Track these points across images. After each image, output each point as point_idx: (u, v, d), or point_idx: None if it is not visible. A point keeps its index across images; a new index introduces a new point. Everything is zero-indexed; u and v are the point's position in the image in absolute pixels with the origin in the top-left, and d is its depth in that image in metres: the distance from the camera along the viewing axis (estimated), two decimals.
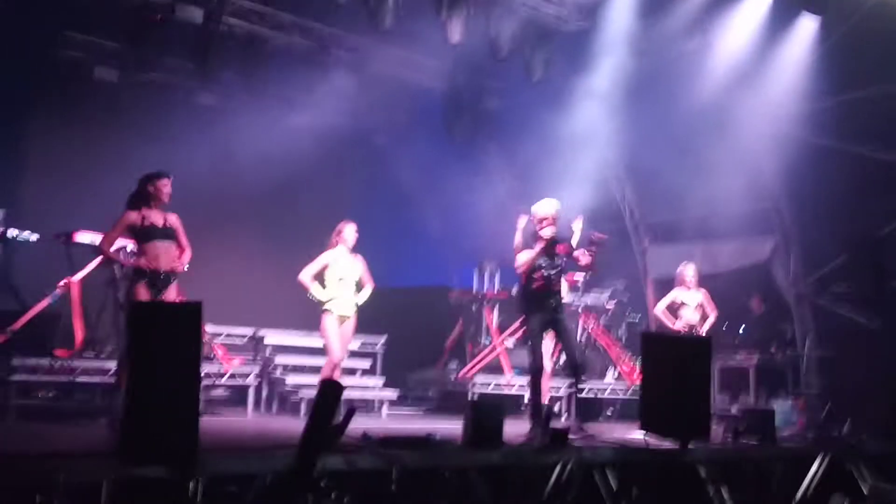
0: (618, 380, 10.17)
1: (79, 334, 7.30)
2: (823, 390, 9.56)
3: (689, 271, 8.55)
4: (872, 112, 8.92)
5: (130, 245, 6.81)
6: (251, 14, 9.92)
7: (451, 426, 6.07)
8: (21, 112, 10.39)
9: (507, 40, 9.51)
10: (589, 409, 9.83)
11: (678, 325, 8.31)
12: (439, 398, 10.27)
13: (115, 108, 10.29)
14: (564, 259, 6.80)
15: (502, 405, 5.81)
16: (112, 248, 6.44)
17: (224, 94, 10.94)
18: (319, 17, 10.29)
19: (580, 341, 10.69)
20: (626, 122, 10.49)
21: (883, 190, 9.10)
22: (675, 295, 8.51)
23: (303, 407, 8.14)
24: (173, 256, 6.01)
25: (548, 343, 8.04)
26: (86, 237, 7.57)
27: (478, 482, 5.04)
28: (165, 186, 6.04)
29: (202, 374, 6.61)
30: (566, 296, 8.84)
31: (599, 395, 9.99)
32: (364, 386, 9.28)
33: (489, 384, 9.26)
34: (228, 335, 9.02)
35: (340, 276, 7.01)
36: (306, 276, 6.93)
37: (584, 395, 9.76)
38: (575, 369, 6.84)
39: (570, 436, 5.68)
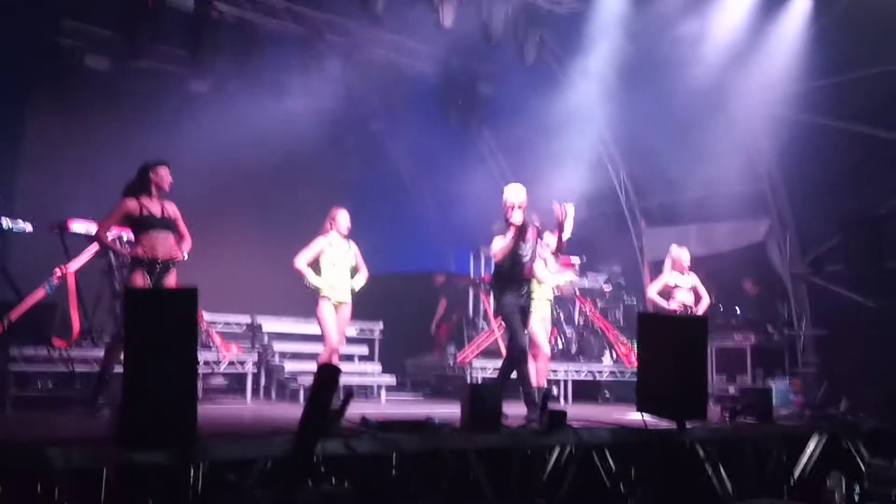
0: (615, 362, 10.21)
1: (76, 324, 7.28)
2: (820, 369, 9.62)
3: (683, 254, 8.51)
4: (867, 91, 8.93)
5: (126, 234, 6.81)
6: (243, 0, 9.87)
7: (449, 410, 6.08)
8: (14, 100, 10.32)
9: (500, 24, 9.49)
10: (587, 392, 9.91)
11: (672, 306, 8.31)
12: (437, 383, 10.30)
13: (109, 96, 10.23)
14: (534, 247, 6.80)
15: (500, 388, 5.82)
16: (109, 237, 6.43)
17: (217, 81, 10.88)
18: (312, 2, 10.24)
19: (577, 324, 10.73)
20: (620, 105, 10.49)
21: (879, 169, 9.12)
22: (668, 278, 8.49)
23: (301, 394, 8.16)
24: (171, 245, 5.97)
25: (544, 327, 8.07)
26: (81, 226, 7.55)
27: (477, 465, 5.06)
28: (166, 174, 6.02)
29: (200, 362, 6.62)
30: (568, 280, 8.87)
31: (597, 378, 10.02)
32: (362, 372, 9.30)
33: (487, 368, 9.28)
34: (226, 323, 9.02)
35: (334, 262, 7.00)
36: (301, 261, 6.93)
37: (581, 377, 9.84)
38: (525, 350, 6.73)
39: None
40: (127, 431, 3.94)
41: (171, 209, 6.09)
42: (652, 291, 8.50)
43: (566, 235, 8.48)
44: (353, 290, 7.12)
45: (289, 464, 4.26)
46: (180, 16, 9.43)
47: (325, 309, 6.92)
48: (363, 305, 7.70)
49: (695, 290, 8.49)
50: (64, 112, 10.07)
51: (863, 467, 6.64)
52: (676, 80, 9.54)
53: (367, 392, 9.15)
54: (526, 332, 6.69)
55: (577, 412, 6.77)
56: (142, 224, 5.91)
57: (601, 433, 5.71)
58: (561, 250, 6.98)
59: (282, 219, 10.85)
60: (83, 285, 7.53)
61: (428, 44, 10.92)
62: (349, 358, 9.16)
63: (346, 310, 7.08)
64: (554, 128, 10.57)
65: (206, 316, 8.36)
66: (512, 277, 6.65)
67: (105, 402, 5.76)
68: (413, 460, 4.91)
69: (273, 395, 8.68)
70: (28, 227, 8.06)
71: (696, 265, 8.68)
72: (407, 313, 11.11)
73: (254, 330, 9.07)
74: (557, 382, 9.50)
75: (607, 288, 10.99)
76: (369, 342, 9.76)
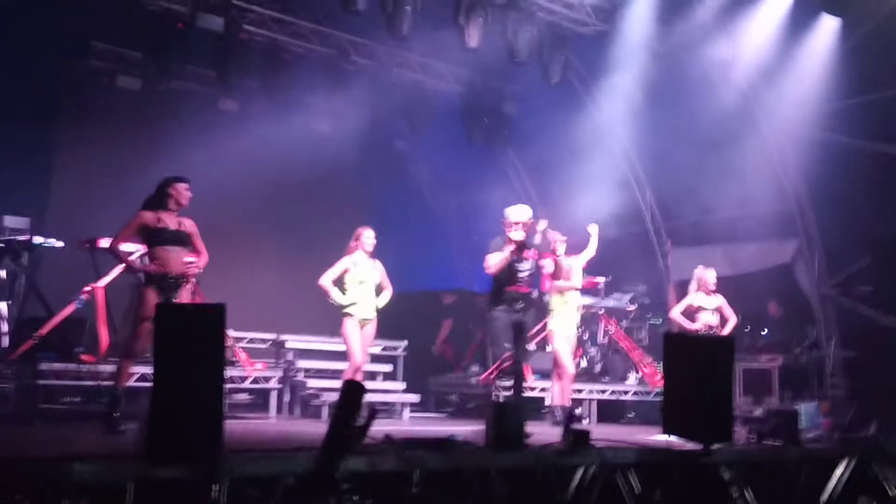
0: (640, 383, 10.13)
1: (104, 339, 7.36)
2: (849, 392, 9.48)
3: (709, 275, 8.45)
4: (894, 112, 8.85)
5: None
6: (271, 22, 10.04)
7: (472, 429, 6.06)
8: (47, 121, 10.55)
9: (525, 44, 9.54)
10: (611, 412, 9.84)
11: (696, 326, 8.24)
12: (460, 402, 10.28)
13: (139, 115, 10.43)
14: (533, 264, 7.07)
15: (524, 407, 5.80)
16: (130, 254, 6.45)
17: (245, 101, 11.06)
18: (338, 24, 10.37)
19: (602, 344, 10.67)
20: (646, 125, 10.49)
21: None
22: (693, 299, 8.42)
23: (324, 411, 8.17)
24: (183, 261, 5.93)
25: (568, 345, 8.05)
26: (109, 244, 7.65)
27: (499, 484, 5.04)
28: (186, 190, 5.97)
29: (226, 379, 6.65)
30: (586, 299, 8.88)
31: (621, 398, 9.95)
32: (386, 390, 9.30)
33: (510, 387, 9.23)
34: (251, 340, 9.07)
35: (360, 280, 7.06)
36: (326, 280, 6.99)
37: (605, 397, 9.77)
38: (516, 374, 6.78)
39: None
40: (153, 447, 3.97)
41: (188, 225, 6.04)
42: (675, 312, 8.45)
43: (591, 254, 8.51)
44: (377, 308, 7.15)
45: (312, 480, 4.27)
46: (209, 37, 9.59)
47: (349, 327, 6.96)
48: (387, 324, 7.72)
49: (720, 312, 8.42)
50: (94, 131, 10.25)
51: (891, 493, 6.52)
52: (702, 99, 9.53)
53: (390, 410, 9.14)
54: (528, 346, 6.89)
55: (602, 432, 6.71)
56: (155, 238, 5.88)
57: (625, 453, 5.66)
58: (556, 274, 7.09)
59: (307, 237, 10.94)
60: (111, 301, 7.62)
61: (453, 64, 11.02)
62: (373, 376, 9.17)
63: (371, 327, 7.11)
64: (579, 147, 10.58)
65: (232, 332, 8.42)
66: (505, 292, 6.86)
67: (121, 417, 5.77)
68: (435, 478, 4.90)
69: (297, 411, 8.70)
70: (59, 244, 8.21)
71: (722, 286, 8.61)
72: (430, 331, 11.12)
73: (278, 347, 9.11)
74: (581, 402, 9.44)
75: (632, 308, 10.93)
76: (393, 360, 9.77)
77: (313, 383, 8.68)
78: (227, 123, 10.83)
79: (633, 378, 10.27)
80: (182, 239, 5.96)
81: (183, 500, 4.07)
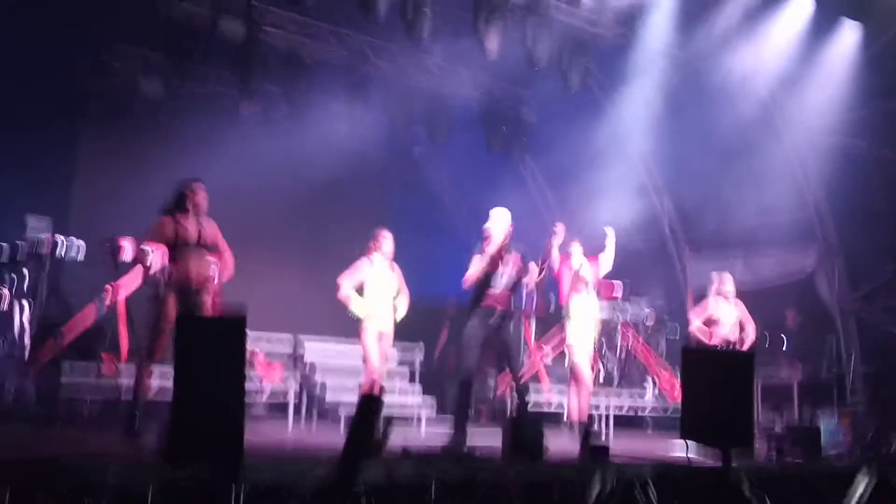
0: (658, 395, 10.06)
1: (125, 344, 7.40)
2: (870, 407, 9.38)
3: (726, 283, 8.32)
4: None
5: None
6: (291, 26, 10.06)
7: (490, 441, 6.05)
8: (70, 123, 10.64)
9: (545, 51, 9.50)
10: (629, 421, 9.79)
11: (714, 342, 8.12)
12: (477, 413, 10.24)
13: (160, 119, 10.48)
14: (513, 274, 6.69)
15: (542, 420, 5.78)
16: (154, 265, 6.47)
17: (265, 105, 11.09)
18: (358, 28, 10.39)
19: (620, 353, 10.62)
20: (665, 133, 10.44)
21: None
22: (711, 307, 8.28)
23: (342, 421, 8.18)
24: (206, 266, 5.94)
25: (586, 358, 8.00)
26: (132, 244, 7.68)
27: (517, 497, 5.02)
28: (200, 191, 5.97)
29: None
30: (604, 310, 8.81)
31: (640, 414, 9.88)
32: (403, 400, 9.29)
33: (528, 399, 9.21)
34: (269, 341, 9.08)
35: (377, 285, 7.03)
36: (345, 281, 6.93)
37: (623, 412, 9.70)
38: (517, 384, 6.71)
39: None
40: (174, 451, 3.99)
41: (210, 228, 6.03)
42: (694, 325, 8.31)
43: (608, 263, 8.46)
44: (395, 321, 7.13)
45: (331, 490, 4.27)
46: (230, 41, 9.62)
47: (368, 336, 6.94)
48: (404, 331, 7.71)
49: (740, 323, 8.30)
50: (116, 134, 10.34)
51: None
52: (722, 107, 9.48)
53: (407, 420, 9.12)
54: (516, 363, 6.68)
55: (620, 444, 6.69)
56: (176, 244, 5.89)
57: (644, 468, 5.62)
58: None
59: (325, 242, 10.97)
60: (133, 305, 7.66)
61: (472, 70, 11.01)
62: (389, 386, 9.15)
63: (389, 338, 7.10)
64: (597, 155, 10.54)
65: (250, 334, 8.42)
66: (480, 304, 6.62)
67: (141, 422, 5.79)
68: (452, 490, 4.88)
69: (314, 421, 8.70)
70: (81, 245, 8.26)
71: (741, 296, 8.54)
72: (449, 340, 11.09)
73: (295, 356, 9.11)
74: (599, 415, 9.38)
75: (650, 317, 10.87)
76: (410, 368, 9.77)
77: (331, 393, 8.68)
78: (246, 126, 10.88)
79: (650, 390, 10.20)
80: (203, 242, 5.94)
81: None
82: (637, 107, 10.34)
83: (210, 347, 4.09)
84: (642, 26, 9.73)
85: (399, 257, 7.34)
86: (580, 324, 7.93)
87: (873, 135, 9.08)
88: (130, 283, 7.62)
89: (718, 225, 11.09)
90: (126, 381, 6.94)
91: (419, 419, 9.00)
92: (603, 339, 10.15)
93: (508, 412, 8.94)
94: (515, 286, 6.75)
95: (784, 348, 10.09)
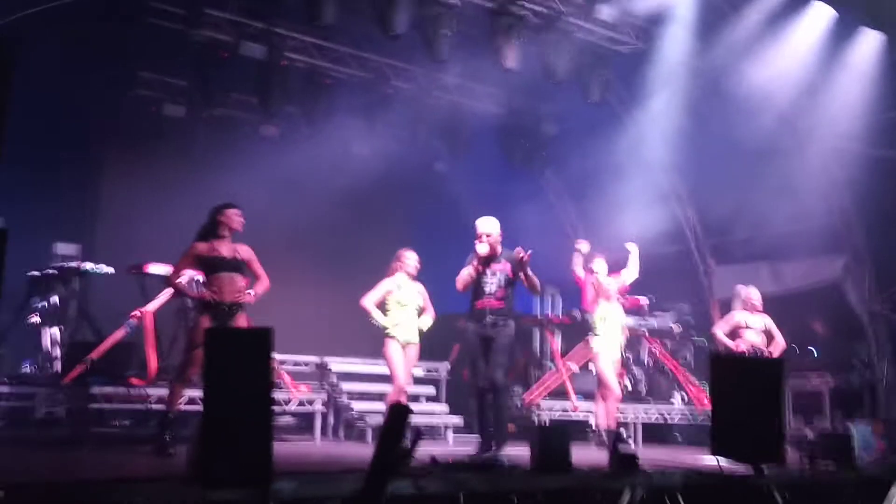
0: (686, 404, 9.98)
1: (152, 363, 7.48)
2: None
3: (753, 293, 8.27)
4: None
5: (201, 277, 7.00)
6: (311, 49, 10.20)
7: (517, 451, 6.04)
8: (95, 149, 10.83)
9: (563, 64, 9.54)
10: (657, 434, 9.71)
11: (741, 347, 8.06)
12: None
13: (183, 143, 10.65)
14: (503, 276, 6.57)
15: (569, 430, 5.76)
16: (183, 280, 6.57)
17: (286, 127, 11.24)
18: (377, 49, 10.50)
19: (646, 365, 10.56)
20: (687, 142, 10.41)
21: None
22: (738, 317, 8.22)
23: (369, 433, 8.20)
24: (239, 288, 6.00)
25: (612, 366, 7.98)
26: (158, 269, 7.81)
27: None
28: (237, 216, 6.06)
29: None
30: (629, 319, 8.77)
31: (668, 421, 9.82)
32: (429, 412, 9.30)
33: (555, 409, 9.20)
34: (295, 363, 9.14)
35: (402, 303, 7.07)
36: (368, 301, 7.00)
37: (651, 419, 9.63)
38: (493, 385, 6.46)
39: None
40: (205, 470, 4.01)
41: (244, 251, 6.11)
42: (719, 332, 8.27)
43: (631, 277, 8.43)
44: (420, 331, 7.16)
45: (361, 503, 4.28)
46: (252, 64, 9.77)
47: (392, 349, 6.97)
48: (429, 346, 7.73)
49: (767, 332, 8.23)
50: (141, 159, 10.50)
51: None
52: (744, 115, 9.43)
53: (434, 432, 9.13)
54: (494, 363, 6.41)
55: (648, 455, 6.65)
56: (210, 266, 5.97)
57: (674, 477, 5.58)
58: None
59: (348, 260, 11.03)
60: (160, 326, 7.75)
61: (491, 85, 11.08)
62: (416, 398, 9.17)
63: (414, 350, 7.11)
64: (619, 166, 10.54)
65: (276, 355, 8.48)
66: (475, 308, 6.58)
67: (172, 440, 5.84)
68: (481, 501, 4.87)
69: (341, 434, 8.74)
70: (109, 270, 8.39)
71: (768, 304, 8.46)
72: None
73: (322, 370, 9.17)
74: (626, 424, 9.34)
75: (676, 328, 10.80)
76: (436, 382, 9.78)
77: (357, 406, 8.71)
78: (268, 149, 11.02)
79: (678, 399, 10.13)
80: (237, 266, 6.02)
81: None
82: (658, 118, 10.34)
83: (238, 360, 4.12)
84: (661, 37, 9.75)
85: (422, 274, 7.37)
86: (605, 331, 7.93)
87: None
88: (159, 305, 7.72)
89: (743, 234, 11.02)
90: (155, 402, 7.01)
91: (446, 428, 9.01)
92: (629, 354, 10.09)
93: (535, 421, 8.92)
94: (510, 288, 6.61)
95: (813, 357, 9.98)
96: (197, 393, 6.62)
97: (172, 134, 10.63)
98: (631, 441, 9.20)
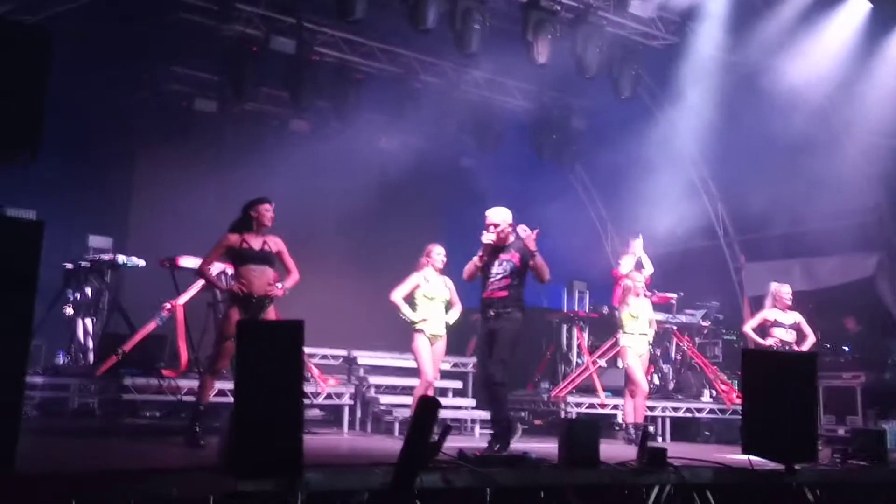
0: (716, 400, 9.89)
1: (184, 355, 7.56)
2: None
3: (784, 290, 8.19)
4: None
5: (231, 270, 7.06)
6: (341, 43, 10.24)
7: (545, 446, 6.03)
8: (128, 144, 10.96)
9: (594, 59, 9.49)
10: (685, 431, 9.64)
11: (769, 343, 7.99)
12: (532, 418, 10.21)
13: (214, 137, 10.75)
14: (509, 266, 6.34)
15: (598, 424, 5.74)
16: (213, 272, 6.63)
17: (316, 121, 11.31)
18: (407, 43, 10.52)
19: (675, 361, 10.48)
20: (718, 138, 10.33)
21: None
22: (768, 314, 8.16)
23: (396, 426, 8.23)
24: (268, 280, 6.02)
25: (640, 362, 7.94)
26: (189, 262, 7.88)
27: (574, 502, 4.99)
28: (267, 211, 6.07)
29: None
30: (657, 315, 8.72)
31: (696, 416, 9.74)
32: (456, 406, 9.31)
33: (582, 404, 9.17)
34: (323, 356, 9.19)
35: (430, 297, 7.08)
36: (397, 296, 7.04)
37: (680, 414, 9.56)
38: (491, 380, 6.31)
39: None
40: (235, 461, 4.05)
41: (274, 244, 6.13)
42: (748, 327, 8.22)
43: (650, 269, 8.39)
44: (447, 325, 7.18)
45: (388, 497, 4.30)
46: (282, 59, 9.83)
47: (420, 343, 6.99)
48: (456, 340, 7.73)
49: (798, 329, 8.16)
50: (173, 153, 10.60)
51: None
52: (777, 110, 9.33)
53: (460, 426, 9.14)
54: (494, 357, 6.23)
55: (677, 451, 6.59)
56: (240, 258, 6.00)
57: (703, 473, 5.53)
58: (539, 276, 6.40)
59: (377, 254, 11.07)
60: (190, 318, 7.83)
61: (522, 80, 11.06)
62: (443, 392, 9.19)
63: (441, 344, 7.13)
64: (649, 162, 10.47)
65: (305, 349, 8.53)
66: (482, 299, 6.43)
67: (202, 431, 5.91)
68: (509, 495, 4.87)
69: (369, 427, 8.78)
70: (141, 263, 8.49)
71: (799, 301, 8.37)
72: None
73: (350, 363, 9.22)
74: (655, 420, 9.28)
75: (705, 324, 10.71)
76: (463, 376, 9.78)
77: (385, 399, 8.75)
78: (298, 143, 11.08)
79: (707, 395, 10.04)
80: (267, 258, 6.05)
81: None
82: (689, 112, 10.26)
83: (269, 352, 4.16)
84: (693, 32, 9.66)
85: (449, 268, 7.38)
86: (632, 327, 7.90)
87: None
88: (190, 298, 7.80)
89: (775, 230, 10.90)
90: (186, 393, 7.09)
91: (472, 422, 9.02)
92: (658, 350, 10.02)
93: (562, 415, 8.90)
94: (517, 278, 6.38)
95: (846, 354, 9.85)
96: (227, 385, 6.71)
97: (203, 128, 10.73)
98: (659, 437, 9.17)
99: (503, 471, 4.89)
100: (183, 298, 7.71)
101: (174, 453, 5.66)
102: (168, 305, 7.68)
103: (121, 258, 8.46)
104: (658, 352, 10.15)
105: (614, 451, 6.01)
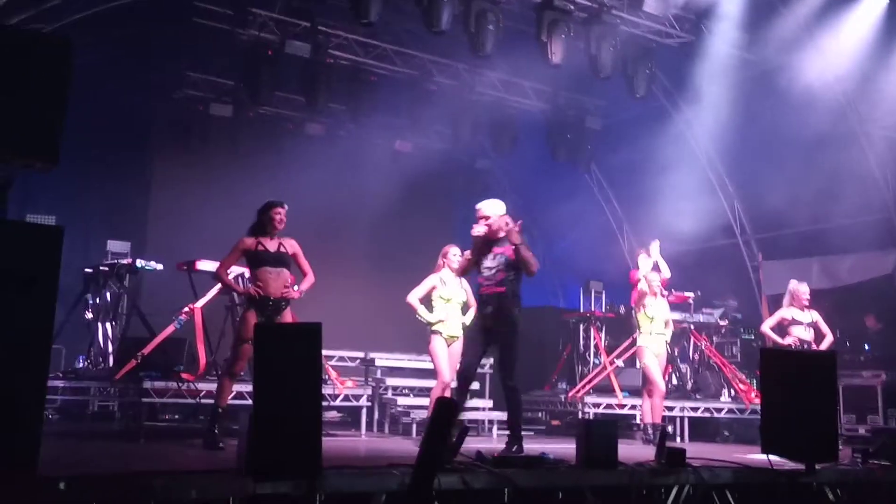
0: (734, 399, 9.84)
1: (202, 358, 7.61)
2: None
3: (802, 289, 8.17)
4: None
5: (246, 272, 7.10)
6: (355, 46, 10.27)
7: (562, 446, 6.02)
8: (145, 149, 11.07)
9: (609, 58, 9.46)
10: (703, 431, 9.59)
11: (787, 342, 7.96)
12: (549, 419, 10.20)
13: (230, 141, 10.81)
14: (503, 259, 6.18)
15: (616, 425, 5.73)
16: (230, 275, 6.67)
17: (331, 125, 11.35)
18: (421, 46, 10.54)
19: (693, 360, 10.43)
20: (734, 136, 10.27)
21: None
22: (786, 313, 8.13)
23: (414, 428, 8.24)
24: (284, 282, 6.06)
25: (657, 362, 7.91)
26: (207, 265, 7.93)
27: (593, 502, 4.98)
28: (277, 213, 6.10)
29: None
30: (675, 314, 8.66)
31: (715, 416, 9.68)
32: (473, 407, 9.30)
33: (600, 404, 9.15)
34: (340, 358, 9.22)
35: (447, 298, 7.09)
36: (413, 298, 7.05)
37: (698, 414, 9.51)
38: (505, 386, 6.20)
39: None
40: (255, 463, 4.08)
41: (290, 246, 6.17)
42: (766, 326, 8.20)
43: (666, 272, 8.34)
44: (464, 326, 7.18)
45: (406, 498, 4.31)
46: (297, 62, 9.88)
47: (437, 344, 7.00)
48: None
49: (816, 327, 8.13)
50: (189, 158, 10.70)
51: None
52: (793, 108, 9.27)
53: (478, 427, 9.14)
54: (502, 365, 6.16)
55: (696, 451, 6.56)
56: (256, 261, 6.05)
57: (722, 473, 5.50)
58: (527, 268, 6.19)
59: (393, 256, 11.10)
60: (209, 321, 7.88)
61: (536, 81, 11.05)
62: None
63: (458, 345, 7.12)
64: (664, 161, 10.43)
65: (322, 351, 8.56)
66: (479, 295, 6.33)
67: (221, 434, 5.94)
68: (527, 496, 4.87)
69: (386, 428, 8.80)
70: (159, 267, 8.56)
71: (818, 299, 8.31)
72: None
73: (367, 365, 9.24)
74: (673, 420, 9.24)
75: (723, 323, 10.65)
76: (480, 377, 9.77)
77: (402, 401, 8.76)
78: (314, 146, 11.14)
79: (725, 395, 9.99)
80: (282, 260, 6.08)
81: None
82: (704, 111, 10.21)
83: (287, 355, 4.18)
84: (708, 30, 9.61)
85: None
86: (651, 325, 7.87)
87: None
88: (207, 301, 7.85)
89: (793, 228, 10.82)
90: (205, 395, 7.14)
91: (490, 424, 9.01)
92: (675, 350, 9.98)
93: (580, 416, 8.88)
94: (512, 272, 6.20)
95: (866, 352, 9.77)
96: (245, 387, 6.74)
97: (219, 133, 10.80)
98: (678, 438, 9.13)
99: (521, 472, 4.88)
100: (201, 302, 7.76)
101: (193, 456, 5.69)
102: (186, 309, 7.73)
103: (139, 262, 8.53)
104: (675, 351, 10.11)
105: (632, 451, 6.00)
